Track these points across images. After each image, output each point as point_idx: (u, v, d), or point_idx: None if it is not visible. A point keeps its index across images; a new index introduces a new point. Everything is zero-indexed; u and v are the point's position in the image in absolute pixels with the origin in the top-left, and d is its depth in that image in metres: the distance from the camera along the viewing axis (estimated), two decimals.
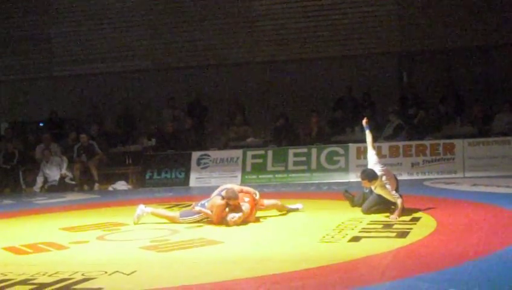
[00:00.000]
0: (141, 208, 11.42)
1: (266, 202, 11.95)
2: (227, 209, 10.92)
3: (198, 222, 11.10)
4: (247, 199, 11.20)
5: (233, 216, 10.85)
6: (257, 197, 11.43)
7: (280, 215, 11.96)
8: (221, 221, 10.88)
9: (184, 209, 12.17)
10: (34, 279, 7.53)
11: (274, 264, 8.08)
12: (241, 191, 11.29)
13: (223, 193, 11.00)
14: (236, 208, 10.94)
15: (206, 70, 23.22)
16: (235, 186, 11.65)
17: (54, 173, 19.82)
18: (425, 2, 21.83)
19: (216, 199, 11.01)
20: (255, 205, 11.29)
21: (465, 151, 17.69)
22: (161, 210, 11.96)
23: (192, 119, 21.34)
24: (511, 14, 21.09)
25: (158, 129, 21.54)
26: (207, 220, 11.07)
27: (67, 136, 21.91)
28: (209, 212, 11.01)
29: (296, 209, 12.29)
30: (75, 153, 20.22)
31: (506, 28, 21.14)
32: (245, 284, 7.22)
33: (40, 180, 19.94)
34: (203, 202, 11.30)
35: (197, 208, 11.18)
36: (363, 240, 9.24)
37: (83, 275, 7.58)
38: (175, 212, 11.63)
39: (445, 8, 21.62)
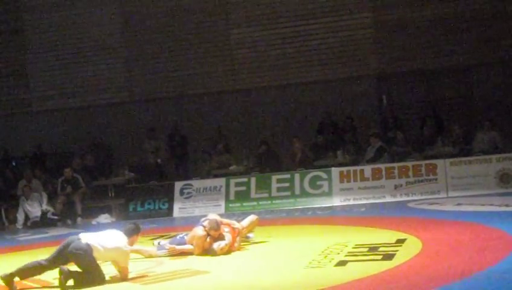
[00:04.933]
0: None
1: (244, 222, 11.87)
2: (208, 239, 10.85)
3: (177, 254, 10.93)
4: (227, 230, 11.15)
5: (219, 244, 10.80)
6: (236, 226, 11.37)
7: (264, 242, 11.90)
8: (203, 252, 10.79)
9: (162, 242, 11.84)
10: None
11: None
12: (221, 223, 11.21)
13: (205, 223, 10.94)
14: (219, 238, 10.88)
15: (186, 100, 23.21)
16: (215, 216, 11.57)
17: (35, 209, 19.63)
18: (402, 24, 21.96)
19: (197, 230, 10.92)
20: (235, 235, 11.23)
21: (447, 171, 17.70)
22: (138, 246, 11.66)
23: (172, 149, 21.33)
24: (488, 34, 21.25)
25: (140, 161, 21.45)
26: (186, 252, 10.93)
27: (48, 170, 21.81)
28: (188, 247, 10.88)
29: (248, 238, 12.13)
30: (59, 186, 20.09)
31: (483, 47, 21.29)
32: None
33: (20, 217, 19.75)
34: (181, 235, 11.20)
35: (178, 248, 10.98)
36: (349, 264, 9.22)
37: None
38: (152, 247, 11.35)
39: (422, 29, 21.76)
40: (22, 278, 9.16)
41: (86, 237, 9.18)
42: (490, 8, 21.32)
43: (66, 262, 9.16)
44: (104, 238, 9.27)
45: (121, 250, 9.27)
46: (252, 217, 12.09)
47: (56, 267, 9.23)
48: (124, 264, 9.36)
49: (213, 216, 11.57)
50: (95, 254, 9.00)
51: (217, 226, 10.87)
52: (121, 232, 9.52)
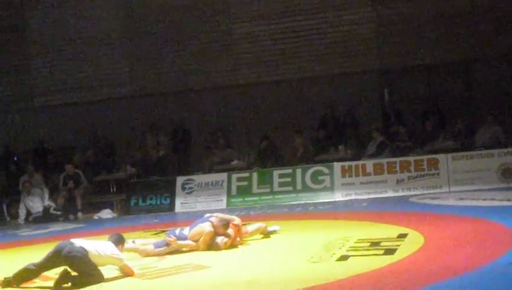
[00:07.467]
0: None
1: (250, 228, 11.87)
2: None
3: (176, 251, 10.88)
4: None
5: (222, 238, 10.81)
6: (236, 222, 11.34)
7: (265, 237, 11.89)
8: (207, 247, 10.79)
9: (158, 240, 11.71)
10: None
11: (262, 287, 8.03)
12: (230, 221, 11.23)
13: (213, 220, 10.92)
14: (224, 234, 10.90)
15: (188, 95, 23.17)
16: (218, 214, 11.58)
17: (37, 205, 19.66)
18: (404, 18, 21.91)
19: (205, 226, 10.89)
20: (237, 230, 11.22)
21: (449, 165, 17.68)
22: (132, 245, 11.29)
23: (175, 144, 21.36)
24: (490, 28, 21.19)
25: (142, 156, 21.42)
26: (187, 248, 10.90)
27: (50, 166, 21.83)
28: (190, 243, 10.86)
29: (274, 232, 12.13)
30: (61, 181, 20.13)
31: (485, 42, 21.23)
32: None
33: (22, 212, 19.79)
34: (178, 229, 11.15)
35: (180, 242, 10.91)
36: (351, 258, 9.21)
37: None
38: (148, 245, 11.18)
39: (424, 24, 21.71)
40: (18, 285, 9.14)
41: (79, 242, 9.17)
42: (491, 3, 21.25)
43: (56, 267, 9.18)
44: (97, 245, 9.28)
45: (115, 256, 9.27)
46: (259, 225, 12.06)
47: (45, 271, 9.25)
48: (121, 264, 9.35)
49: (217, 214, 11.57)
50: (90, 257, 9.00)
51: (228, 224, 10.92)
52: (109, 242, 9.52)
